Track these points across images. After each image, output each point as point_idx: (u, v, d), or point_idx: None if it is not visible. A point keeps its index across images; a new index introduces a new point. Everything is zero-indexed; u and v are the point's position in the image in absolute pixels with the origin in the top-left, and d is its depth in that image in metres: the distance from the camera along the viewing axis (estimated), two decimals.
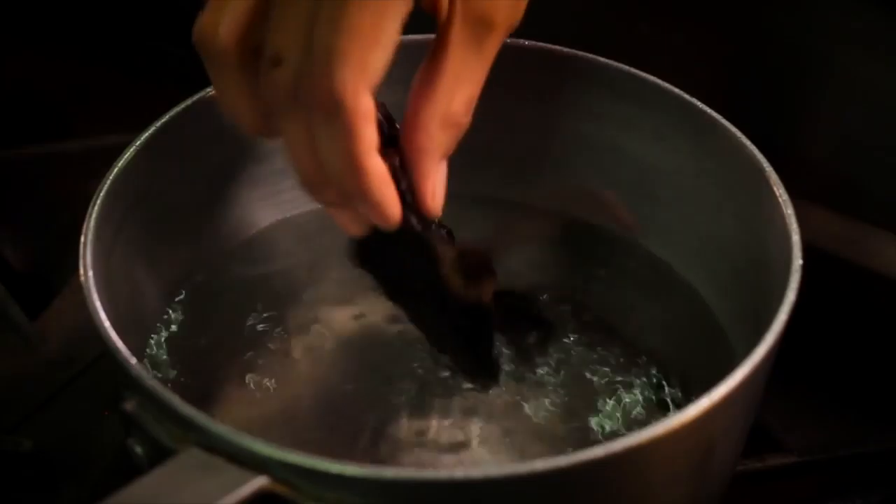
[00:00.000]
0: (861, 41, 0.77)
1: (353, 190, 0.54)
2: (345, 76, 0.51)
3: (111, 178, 0.63)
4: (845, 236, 0.78)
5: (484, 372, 0.63)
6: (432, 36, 0.56)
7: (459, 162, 0.72)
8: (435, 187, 0.58)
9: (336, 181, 0.54)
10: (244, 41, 0.55)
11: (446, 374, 0.65)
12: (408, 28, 0.66)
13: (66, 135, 0.90)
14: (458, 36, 0.56)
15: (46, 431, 0.72)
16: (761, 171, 0.63)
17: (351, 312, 0.68)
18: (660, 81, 0.68)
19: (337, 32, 0.52)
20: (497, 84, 0.71)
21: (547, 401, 0.64)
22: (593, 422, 0.63)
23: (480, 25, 0.56)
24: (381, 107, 0.57)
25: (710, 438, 0.56)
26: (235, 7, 0.55)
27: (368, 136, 0.53)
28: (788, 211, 0.61)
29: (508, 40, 0.69)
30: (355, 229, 0.59)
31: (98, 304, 0.57)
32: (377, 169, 0.54)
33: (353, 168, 0.53)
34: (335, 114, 0.52)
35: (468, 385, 0.64)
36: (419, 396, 0.64)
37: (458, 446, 0.62)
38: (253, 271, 0.70)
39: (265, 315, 0.68)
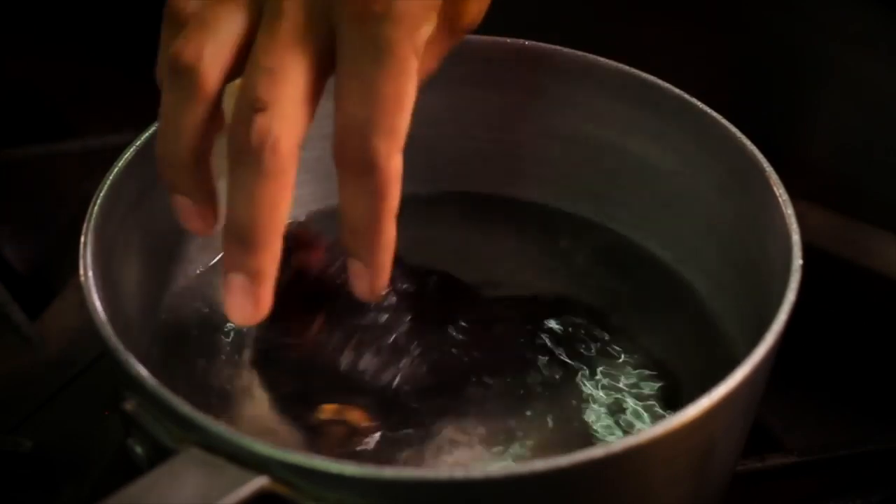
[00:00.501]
0: (861, 41, 0.77)
1: (362, 247, 0.57)
2: (378, 144, 0.54)
3: (111, 178, 0.62)
4: (845, 236, 0.78)
5: None
6: None
7: (459, 161, 0.73)
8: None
9: (350, 235, 0.57)
10: (226, 76, 0.57)
11: (449, 373, 0.64)
12: None
13: (66, 135, 0.90)
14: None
15: (46, 431, 0.71)
16: (761, 171, 0.63)
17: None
18: (660, 81, 0.67)
19: (366, 104, 0.54)
20: (496, 85, 0.71)
21: (544, 399, 0.64)
22: (591, 421, 0.63)
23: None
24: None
25: (711, 438, 0.56)
26: (226, 32, 0.56)
27: (395, 197, 0.56)
28: (788, 211, 0.61)
29: (509, 40, 0.69)
30: (253, 313, 0.58)
31: (98, 304, 0.57)
32: (392, 236, 0.57)
33: (374, 227, 0.56)
34: (369, 176, 0.55)
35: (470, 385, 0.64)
36: (420, 395, 0.64)
37: (457, 446, 0.62)
38: None
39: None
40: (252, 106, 0.55)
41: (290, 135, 0.55)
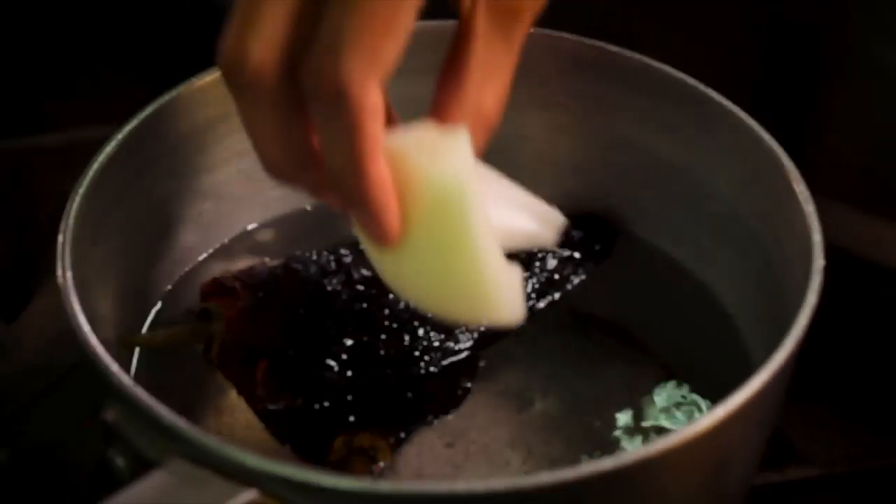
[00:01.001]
0: (887, 29, 0.77)
1: (351, 193, 0.53)
2: (353, 65, 0.50)
3: (91, 173, 0.62)
4: (869, 236, 0.78)
5: None
6: (448, 22, 0.55)
7: None
8: None
9: (334, 181, 0.53)
10: (284, 64, 0.51)
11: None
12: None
13: (44, 128, 0.90)
14: (483, 27, 0.55)
15: (22, 442, 0.71)
16: (780, 165, 0.63)
17: None
18: (673, 71, 0.67)
19: (349, 16, 0.49)
20: None
21: (553, 407, 0.64)
22: (601, 431, 0.63)
23: (506, 14, 0.55)
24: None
25: (726, 450, 0.56)
26: (273, 18, 0.51)
27: (374, 134, 0.51)
28: (809, 208, 0.61)
29: None
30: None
31: (77, 307, 0.57)
32: (380, 174, 0.52)
33: (355, 169, 0.52)
34: (339, 106, 0.50)
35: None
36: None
37: (461, 455, 0.62)
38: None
39: None
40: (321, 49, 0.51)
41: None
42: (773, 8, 0.79)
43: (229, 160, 0.70)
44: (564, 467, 0.51)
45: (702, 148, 0.68)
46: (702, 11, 0.81)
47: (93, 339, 0.56)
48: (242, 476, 0.52)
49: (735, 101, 0.66)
